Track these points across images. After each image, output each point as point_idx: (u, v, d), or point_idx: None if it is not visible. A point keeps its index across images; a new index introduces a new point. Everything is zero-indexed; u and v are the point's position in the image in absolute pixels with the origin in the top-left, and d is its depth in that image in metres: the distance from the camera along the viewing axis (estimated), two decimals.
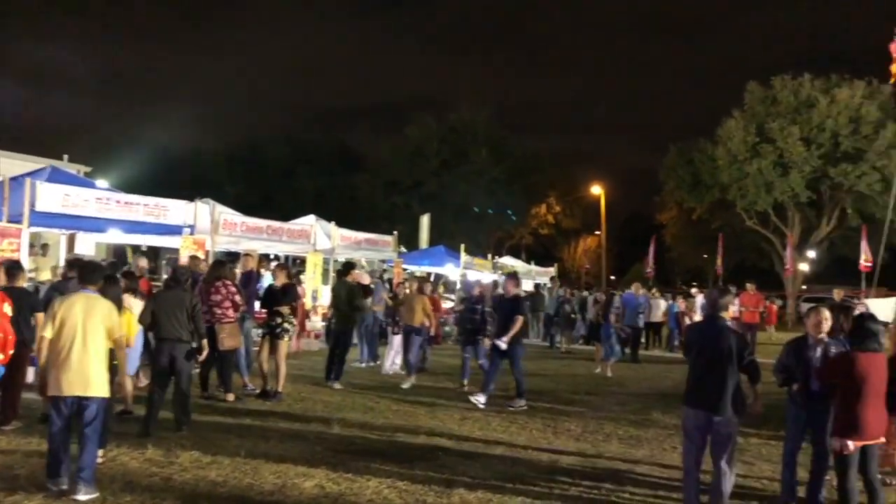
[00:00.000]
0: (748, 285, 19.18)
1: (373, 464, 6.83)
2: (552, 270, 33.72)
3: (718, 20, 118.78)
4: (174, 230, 12.12)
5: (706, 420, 5.49)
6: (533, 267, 30.82)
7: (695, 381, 5.65)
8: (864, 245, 22.32)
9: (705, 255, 48.08)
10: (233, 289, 9.54)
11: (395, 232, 22.14)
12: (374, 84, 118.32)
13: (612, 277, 55.23)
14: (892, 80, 15.86)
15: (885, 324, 7.88)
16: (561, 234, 55.39)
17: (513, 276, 11.27)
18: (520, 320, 10.13)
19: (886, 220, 23.74)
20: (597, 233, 50.71)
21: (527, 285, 21.64)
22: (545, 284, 26.39)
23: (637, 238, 50.34)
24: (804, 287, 44.98)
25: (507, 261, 30.92)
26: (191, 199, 12.60)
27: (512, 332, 10.04)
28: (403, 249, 27.55)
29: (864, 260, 22.07)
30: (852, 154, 35.94)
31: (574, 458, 7.56)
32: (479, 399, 10.01)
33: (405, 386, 11.29)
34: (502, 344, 10.06)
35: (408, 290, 13.46)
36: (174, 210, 12.04)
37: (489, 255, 30.36)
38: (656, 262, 31.32)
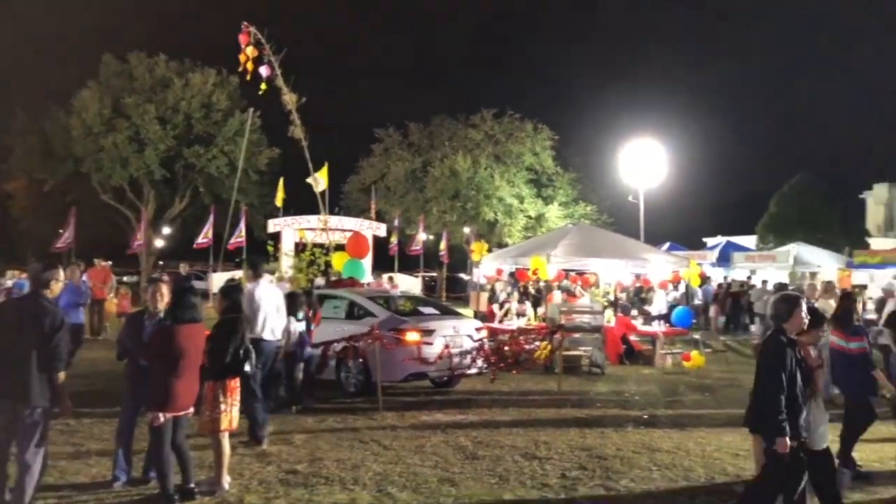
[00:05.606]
0: (96, 260, 18.76)
1: None
2: None
3: None
4: None
5: (13, 410, 4.98)
6: None
7: (2, 366, 5.05)
8: (210, 223, 24.06)
9: (60, 230, 45.27)
10: None
11: None
12: None
13: None
14: (239, 69, 16.68)
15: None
16: None
17: None
18: None
19: (232, 201, 26.23)
20: None
21: None
22: None
23: None
24: (161, 263, 46.43)
25: None
26: None
27: None
28: None
29: (202, 237, 23.85)
30: (204, 137, 38.46)
31: None
32: None
33: None
34: None
35: None
36: None
37: None
38: (3, 235, 28.06)
